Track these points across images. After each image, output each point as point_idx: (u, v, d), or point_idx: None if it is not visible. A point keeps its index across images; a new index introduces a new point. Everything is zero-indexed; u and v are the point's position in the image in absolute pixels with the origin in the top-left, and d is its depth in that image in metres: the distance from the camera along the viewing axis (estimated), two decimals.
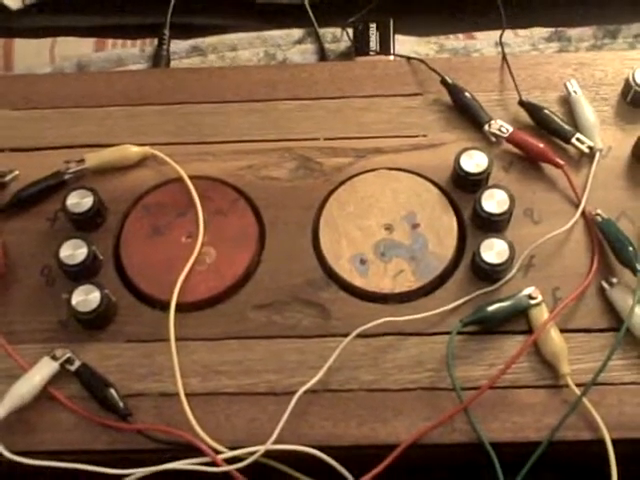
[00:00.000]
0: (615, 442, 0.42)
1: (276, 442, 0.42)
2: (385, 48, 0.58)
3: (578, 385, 0.43)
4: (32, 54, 0.62)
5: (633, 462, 0.43)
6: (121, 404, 0.44)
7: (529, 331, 0.45)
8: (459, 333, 0.44)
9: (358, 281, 0.47)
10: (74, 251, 0.47)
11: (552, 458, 0.43)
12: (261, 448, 0.42)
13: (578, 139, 0.49)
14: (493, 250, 0.46)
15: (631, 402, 0.43)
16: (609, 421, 0.42)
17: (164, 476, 0.43)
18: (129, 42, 0.63)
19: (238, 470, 0.42)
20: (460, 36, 0.63)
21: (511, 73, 0.52)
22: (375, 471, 0.42)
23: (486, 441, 0.42)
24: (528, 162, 0.50)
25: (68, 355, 0.45)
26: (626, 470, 0.42)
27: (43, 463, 0.42)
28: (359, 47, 0.59)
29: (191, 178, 0.50)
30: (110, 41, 0.63)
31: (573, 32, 0.61)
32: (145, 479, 0.43)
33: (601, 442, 0.42)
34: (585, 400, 0.43)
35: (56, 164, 0.51)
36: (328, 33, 0.62)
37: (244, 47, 0.62)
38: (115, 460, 0.43)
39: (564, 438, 0.43)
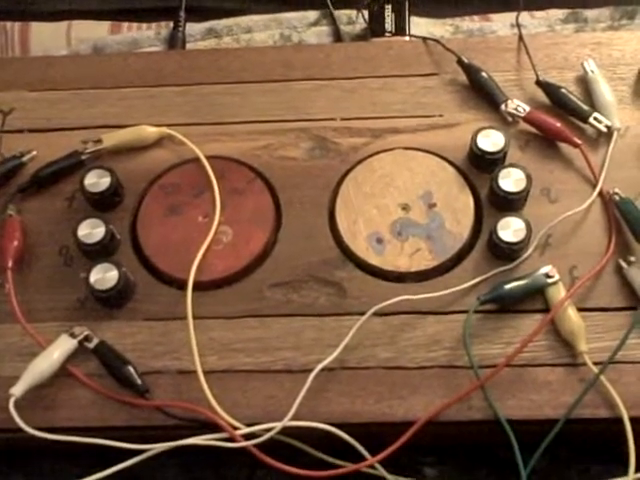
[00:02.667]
0: (633, 420, 0.42)
1: (293, 419, 0.42)
2: (400, 29, 0.58)
3: (595, 364, 0.43)
4: (48, 37, 0.62)
5: None
6: (139, 381, 0.44)
7: (546, 310, 0.45)
8: (476, 312, 0.44)
9: (374, 260, 0.47)
10: (92, 230, 0.47)
11: (568, 436, 0.43)
12: (278, 425, 0.42)
13: (596, 118, 0.49)
14: (510, 229, 0.46)
15: None
16: (627, 399, 0.42)
17: (180, 453, 0.44)
18: (144, 25, 0.63)
19: (255, 446, 0.42)
20: (475, 18, 0.62)
21: (528, 53, 0.52)
22: (392, 448, 0.42)
23: (503, 418, 0.42)
24: (545, 141, 0.49)
25: (86, 333, 0.45)
26: None
27: (62, 437, 0.43)
28: (374, 29, 0.59)
29: (207, 158, 0.50)
30: (125, 24, 0.63)
31: (590, 13, 0.61)
32: (162, 455, 0.43)
33: (619, 420, 0.42)
34: (603, 378, 0.43)
35: (74, 144, 0.51)
36: (343, 15, 0.62)
37: (259, 29, 0.62)
38: (132, 437, 0.43)
39: (581, 416, 0.43)
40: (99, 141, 0.50)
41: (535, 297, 0.45)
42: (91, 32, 0.63)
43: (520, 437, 0.42)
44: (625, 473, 0.41)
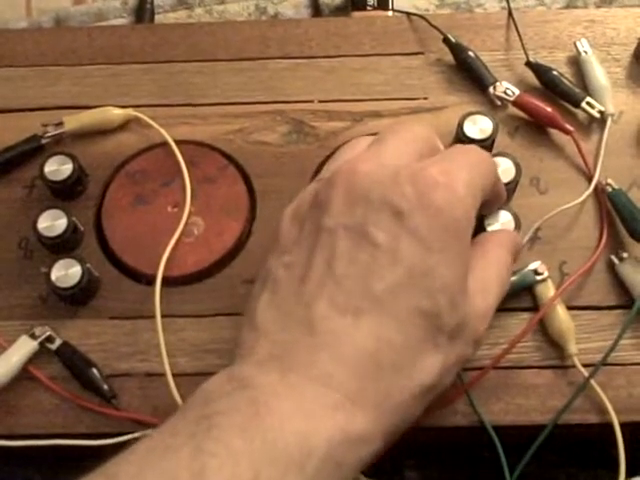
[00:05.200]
0: (623, 425, 0.40)
1: None
2: (383, 2, 0.55)
3: (585, 366, 0.41)
4: (7, 7, 0.58)
5: None
6: (105, 385, 0.42)
7: (534, 308, 0.43)
8: None
9: None
10: (53, 222, 0.44)
11: (556, 440, 0.41)
12: None
13: (588, 103, 0.46)
14: (498, 222, 0.43)
15: None
16: (617, 404, 0.40)
17: None
18: None
19: None
20: None
21: (518, 31, 0.49)
22: None
23: (488, 424, 0.40)
24: (535, 127, 0.47)
25: (48, 333, 0.42)
26: (634, 453, 0.40)
27: (21, 443, 0.40)
28: (356, 1, 0.55)
29: (177, 143, 0.47)
30: None
31: None
32: None
33: (609, 425, 0.40)
34: (593, 382, 0.41)
35: (33, 127, 0.47)
36: None
37: (233, 0, 0.58)
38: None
39: (570, 421, 0.41)
40: (60, 124, 0.47)
41: (523, 295, 0.43)
42: (53, 1, 0.59)
43: (507, 440, 0.40)
44: (615, 479, 0.40)
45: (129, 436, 0.40)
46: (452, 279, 0.34)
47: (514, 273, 0.43)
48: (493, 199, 0.39)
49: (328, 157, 0.47)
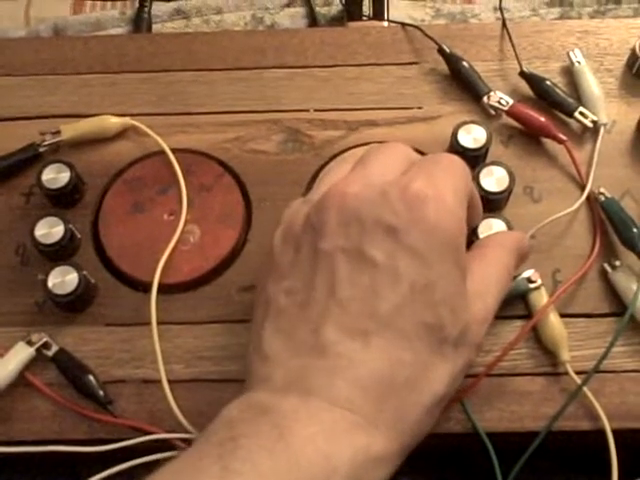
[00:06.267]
0: (615, 432, 0.40)
1: None
2: (379, 12, 0.56)
3: (578, 373, 0.41)
4: (6, 16, 0.59)
5: (634, 451, 0.42)
6: (101, 392, 0.42)
7: (527, 316, 0.43)
8: None
9: None
10: (50, 229, 0.44)
11: (549, 447, 0.41)
12: None
13: (581, 113, 0.47)
14: (491, 230, 0.43)
15: (633, 391, 0.42)
16: (610, 410, 0.41)
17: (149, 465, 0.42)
18: (108, 4, 0.60)
19: None
20: (457, 0, 0.60)
21: (511, 41, 0.49)
22: None
23: (482, 432, 0.41)
24: (529, 137, 0.47)
25: (45, 340, 0.43)
26: (626, 459, 0.41)
27: (16, 450, 0.40)
28: (351, 11, 0.56)
29: (174, 151, 0.47)
30: (89, 2, 0.60)
31: None
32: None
33: (601, 432, 0.40)
34: (585, 389, 0.41)
35: (31, 135, 0.48)
36: None
37: (230, 10, 0.59)
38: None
39: (563, 428, 0.41)
40: (58, 132, 0.47)
41: (516, 302, 0.43)
42: (52, 10, 0.59)
43: (500, 446, 0.41)
44: None
45: (123, 443, 0.40)
46: (452, 289, 0.34)
47: None
48: (472, 204, 0.39)
49: (323, 166, 0.47)
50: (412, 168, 0.36)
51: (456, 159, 0.38)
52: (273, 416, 0.31)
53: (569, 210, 0.44)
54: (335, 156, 0.47)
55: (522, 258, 0.40)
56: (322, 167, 0.47)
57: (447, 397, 0.35)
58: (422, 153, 0.47)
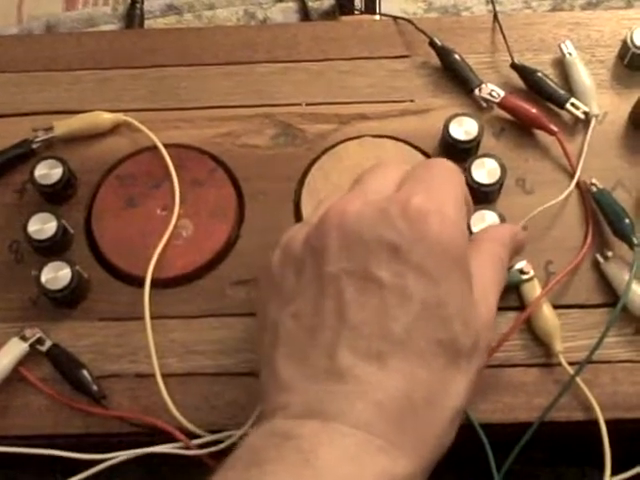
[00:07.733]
0: (608, 422, 0.40)
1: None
2: (371, 6, 0.55)
3: (571, 364, 0.41)
4: None
5: (627, 441, 0.42)
6: (94, 386, 0.42)
7: (520, 307, 0.43)
8: None
9: None
10: (43, 225, 0.44)
11: (543, 438, 0.42)
12: (237, 433, 0.40)
13: (573, 104, 0.47)
14: (484, 222, 0.44)
15: (626, 381, 0.42)
16: (603, 401, 0.41)
17: (144, 458, 0.42)
18: (100, 0, 0.59)
19: (216, 453, 0.40)
20: None
21: (503, 34, 0.49)
22: None
23: (476, 423, 0.41)
24: (520, 128, 0.47)
25: (38, 335, 0.43)
26: (619, 449, 0.41)
27: (12, 450, 0.40)
28: (343, 5, 0.56)
29: (166, 146, 0.47)
30: None
31: None
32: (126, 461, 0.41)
33: (594, 423, 0.40)
34: (578, 380, 0.41)
35: (23, 132, 0.48)
36: None
37: (222, 5, 0.59)
38: (92, 444, 0.41)
39: (556, 419, 0.41)
40: (50, 128, 0.47)
41: (509, 294, 0.43)
42: (44, 6, 0.59)
43: (494, 438, 0.41)
44: (601, 476, 0.40)
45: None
46: (462, 302, 0.34)
47: None
48: (465, 201, 0.39)
49: (316, 160, 0.47)
50: (408, 181, 0.36)
51: (450, 165, 0.37)
52: (296, 442, 0.30)
53: (557, 200, 0.44)
54: (327, 150, 0.47)
55: (517, 251, 0.40)
56: (314, 161, 0.47)
57: (466, 406, 0.35)
58: (415, 147, 0.47)
